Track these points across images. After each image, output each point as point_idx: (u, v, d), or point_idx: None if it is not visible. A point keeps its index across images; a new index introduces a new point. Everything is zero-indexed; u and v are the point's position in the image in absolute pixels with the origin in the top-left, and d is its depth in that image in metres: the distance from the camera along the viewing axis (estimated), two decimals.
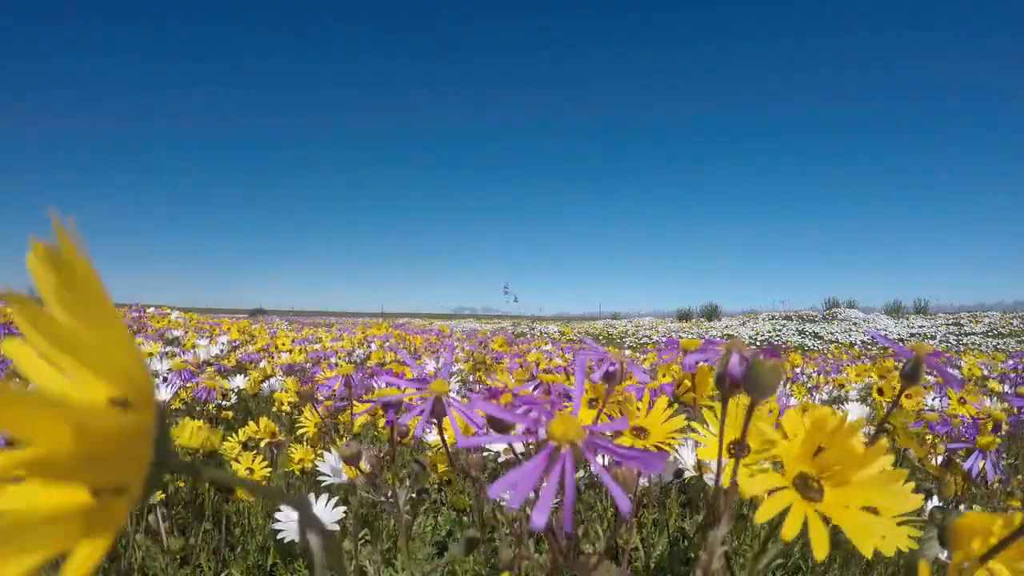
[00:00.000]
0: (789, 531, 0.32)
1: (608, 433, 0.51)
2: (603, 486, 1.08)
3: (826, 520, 0.34)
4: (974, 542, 0.36)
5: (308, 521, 0.23)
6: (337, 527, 0.90)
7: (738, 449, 0.39)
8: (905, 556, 0.39)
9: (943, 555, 0.70)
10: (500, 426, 0.42)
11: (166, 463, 0.22)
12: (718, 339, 0.54)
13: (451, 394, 0.50)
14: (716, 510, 0.43)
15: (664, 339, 13.22)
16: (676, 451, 0.89)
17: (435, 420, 0.48)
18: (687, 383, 0.62)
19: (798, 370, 3.69)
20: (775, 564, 0.52)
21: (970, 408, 1.14)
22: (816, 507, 0.35)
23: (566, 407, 0.38)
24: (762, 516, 0.33)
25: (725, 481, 0.42)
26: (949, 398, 1.26)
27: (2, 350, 0.22)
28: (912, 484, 0.38)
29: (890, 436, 1.04)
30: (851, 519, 0.35)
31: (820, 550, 0.31)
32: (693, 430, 0.61)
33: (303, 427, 1.34)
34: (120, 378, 0.20)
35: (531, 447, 0.42)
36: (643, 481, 0.86)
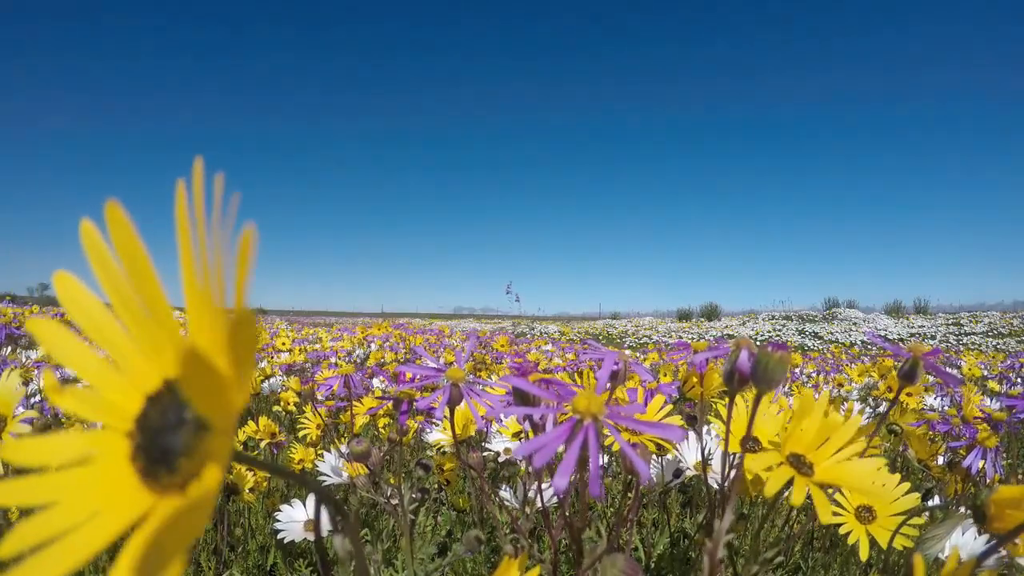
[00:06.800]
0: (796, 499, 0.36)
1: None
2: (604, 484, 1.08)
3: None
4: (1013, 512, 0.38)
5: (333, 515, 0.23)
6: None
7: (745, 441, 0.40)
8: (905, 555, 0.40)
9: (943, 555, 0.70)
10: (526, 400, 0.42)
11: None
12: (725, 340, 0.55)
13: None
14: (722, 501, 0.44)
15: (667, 340, 13.24)
16: (676, 449, 0.89)
17: (449, 408, 0.49)
18: (694, 380, 0.63)
19: (798, 370, 3.70)
20: (775, 563, 0.52)
21: (972, 409, 1.14)
22: (812, 480, 0.39)
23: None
24: (770, 490, 0.36)
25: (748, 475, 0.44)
26: (960, 401, 1.27)
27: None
28: (884, 461, 0.42)
29: (893, 436, 1.04)
30: (840, 478, 0.40)
31: (825, 513, 0.35)
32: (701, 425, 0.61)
33: (304, 428, 1.34)
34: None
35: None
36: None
